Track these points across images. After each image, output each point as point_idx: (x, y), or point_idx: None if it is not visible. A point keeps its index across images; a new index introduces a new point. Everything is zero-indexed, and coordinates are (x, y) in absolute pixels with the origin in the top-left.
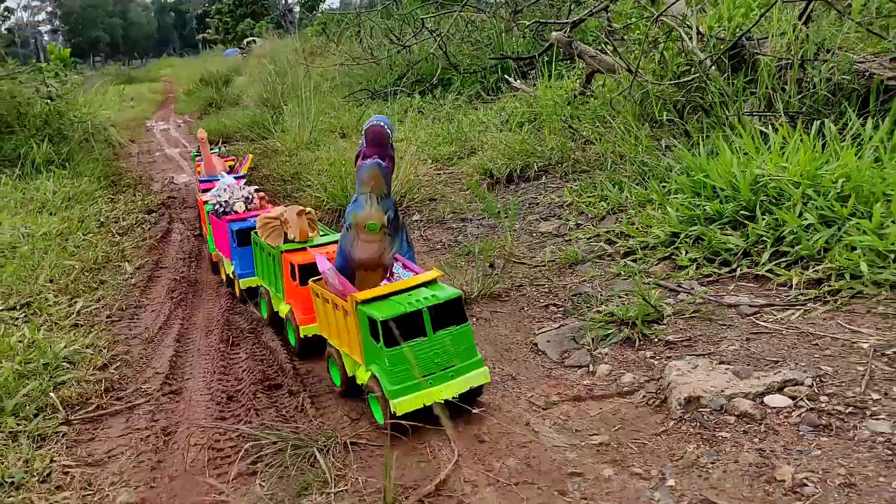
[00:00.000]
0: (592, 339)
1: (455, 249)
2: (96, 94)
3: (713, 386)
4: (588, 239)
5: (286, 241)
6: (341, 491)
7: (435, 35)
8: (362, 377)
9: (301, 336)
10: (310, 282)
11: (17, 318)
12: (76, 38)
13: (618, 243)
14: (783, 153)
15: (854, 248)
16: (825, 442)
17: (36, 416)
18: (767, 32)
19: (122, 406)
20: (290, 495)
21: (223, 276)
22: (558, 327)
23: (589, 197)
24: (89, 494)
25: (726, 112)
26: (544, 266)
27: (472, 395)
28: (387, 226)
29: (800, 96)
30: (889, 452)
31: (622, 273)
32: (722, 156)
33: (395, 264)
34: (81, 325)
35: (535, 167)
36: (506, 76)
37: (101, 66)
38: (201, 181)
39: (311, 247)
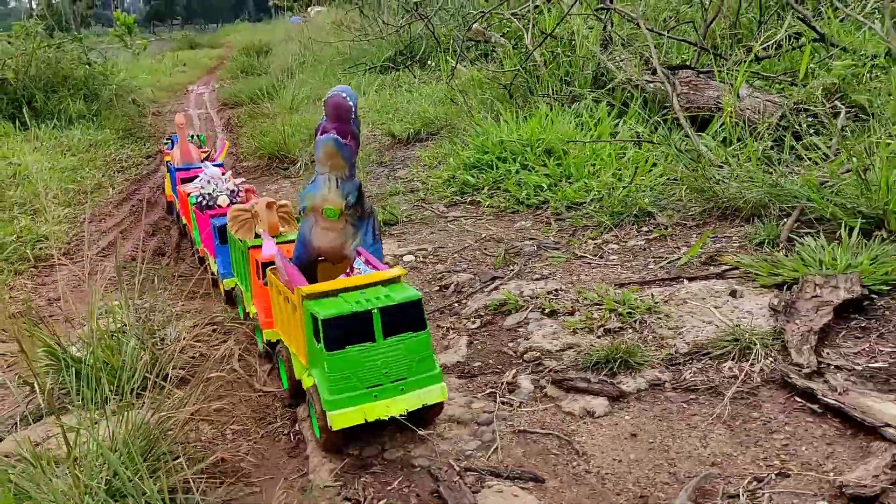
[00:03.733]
0: None
1: None
2: (153, 59)
3: (385, 251)
4: (414, 180)
5: (257, 236)
6: (166, 291)
7: (420, 14)
8: (307, 382)
9: (265, 340)
10: (268, 270)
11: (26, 216)
12: (157, 0)
13: (427, 183)
14: (546, 123)
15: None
16: (411, 274)
17: (17, 262)
18: (577, 34)
19: (70, 262)
20: (139, 295)
21: (210, 276)
22: None
23: (434, 152)
24: (33, 294)
25: (535, 93)
26: (371, 196)
27: (424, 414)
28: (346, 212)
29: (575, 82)
30: (436, 289)
31: (409, 199)
32: (500, 125)
33: (356, 258)
34: (64, 222)
35: (424, 132)
36: (449, 58)
37: (178, 28)
38: (177, 169)
39: (280, 242)
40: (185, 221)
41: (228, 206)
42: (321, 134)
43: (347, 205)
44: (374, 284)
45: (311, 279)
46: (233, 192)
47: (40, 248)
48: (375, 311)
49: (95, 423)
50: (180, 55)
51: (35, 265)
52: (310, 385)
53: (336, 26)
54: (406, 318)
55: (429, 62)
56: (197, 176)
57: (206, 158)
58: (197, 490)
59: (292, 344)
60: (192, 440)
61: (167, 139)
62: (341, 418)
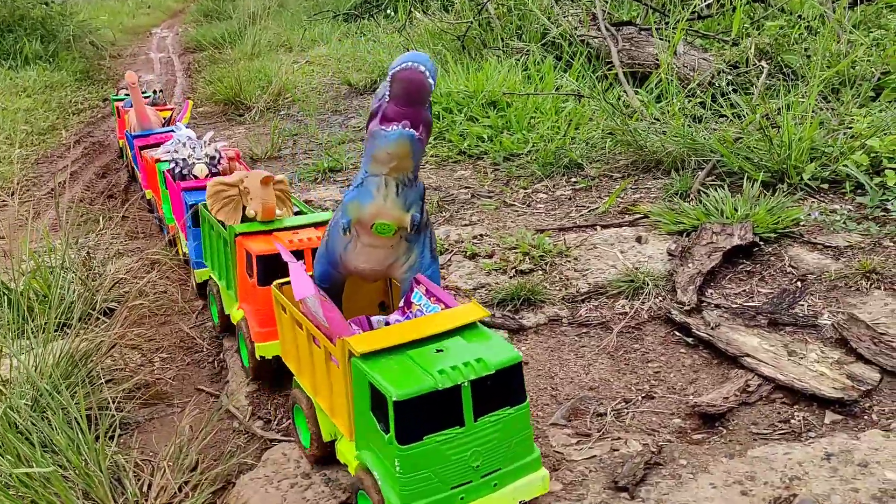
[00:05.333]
0: (299, 179)
1: (282, 131)
2: (115, 0)
3: (324, 196)
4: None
5: (245, 219)
6: (105, 230)
7: None
8: (349, 461)
9: (257, 357)
10: (273, 286)
11: None
12: None
13: None
14: (493, 75)
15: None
16: None
17: None
18: None
19: (16, 202)
20: (82, 233)
21: (181, 255)
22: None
23: None
24: None
25: (488, 45)
26: (321, 143)
27: None
28: (408, 229)
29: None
30: None
31: (358, 148)
32: (449, 76)
33: (415, 289)
34: (16, 163)
35: (381, 82)
36: (412, 9)
37: None
38: (134, 137)
39: (274, 229)
40: (151, 196)
41: (207, 177)
42: (383, 121)
43: (413, 222)
44: (451, 334)
45: (336, 300)
46: (213, 158)
47: None
48: (466, 384)
49: (25, 351)
50: None
51: None
52: (354, 468)
53: None
54: (504, 389)
55: (388, 11)
56: (159, 143)
57: (169, 121)
58: (116, 408)
59: (320, 397)
60: (119, 365)
61: (122, 94)
62: None
